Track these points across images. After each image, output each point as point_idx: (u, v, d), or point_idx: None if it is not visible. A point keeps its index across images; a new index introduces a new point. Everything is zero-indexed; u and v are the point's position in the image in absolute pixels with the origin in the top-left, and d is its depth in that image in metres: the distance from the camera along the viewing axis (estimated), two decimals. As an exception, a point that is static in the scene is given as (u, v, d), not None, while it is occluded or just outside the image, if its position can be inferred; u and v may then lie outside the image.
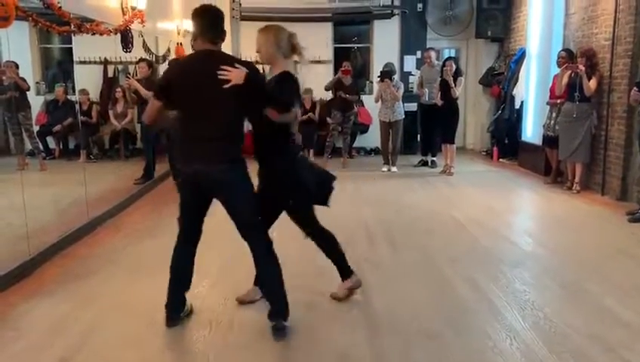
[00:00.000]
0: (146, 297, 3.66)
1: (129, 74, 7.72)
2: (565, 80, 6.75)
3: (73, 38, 5.88)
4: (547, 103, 7.43)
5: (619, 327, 3.19)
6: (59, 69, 9.24)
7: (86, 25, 5.06)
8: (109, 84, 9.01)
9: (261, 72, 3.52)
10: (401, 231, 5.27)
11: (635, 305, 3.49)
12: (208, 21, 3.18)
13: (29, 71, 8.08)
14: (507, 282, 3.91)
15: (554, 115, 7.19)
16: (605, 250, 4.71)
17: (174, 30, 8.90)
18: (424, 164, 8.94)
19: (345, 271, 3.58)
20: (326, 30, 10.30)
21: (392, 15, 10.23)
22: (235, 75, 2.89)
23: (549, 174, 7.56)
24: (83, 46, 7.10)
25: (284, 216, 3.45)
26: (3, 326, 3.25)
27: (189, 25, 9.22)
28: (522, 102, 8.84)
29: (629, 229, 5.27)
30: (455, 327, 3.22)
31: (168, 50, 8.53)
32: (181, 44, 8.96)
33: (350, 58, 10.38)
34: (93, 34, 5.25)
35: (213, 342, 3.06)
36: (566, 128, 6.81)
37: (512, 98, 9.18)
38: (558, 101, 7.03)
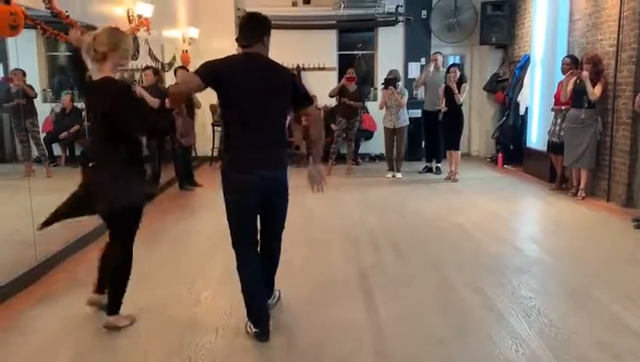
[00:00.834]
0: (151, 303, 3.68)
1: (135, 81, 7.77)
2: (570, 86, 6.76)
3: (80, 45, 5.93)
4: (552, 110, 7.43)
5: (626, 334, 3.18)
6: (65, 76, 9.29)
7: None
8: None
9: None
10: (406, 237, 5.27)
11: (641, 312, 3.48)
12: (240, 27, 3.25)
13: (36, 78, 8.13)
14: (512, 288, 3.91)
15: (559, 121, 7.19)
16: (611, 256, 4.70)
17: (180, 38, 8.97)
18: (429, 170, 8.95)
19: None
20: (331, 37, 10.35)
21: (396, 22, 10.27)
22: None
23: (554, 180, 7.55)
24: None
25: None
26: (11, 331, 3.27)
27: (194, 32, 9.31)
28: (527, 109, 8.85)
29: (635, 235, 5.26)
30: (460, 334, 3.22)
31: (174, 57, 8.58)
32: (187, 51, 9.02)
33: (355, 65, 10.44)
34: (100, 42, 5.30)
35: (219, 348, 3.07)
36: (571, 134, 6.81)
37: (517, 104, 9.19)
38: (563, 107, 7.03)
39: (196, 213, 6.55)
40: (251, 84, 3.02)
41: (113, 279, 3.33)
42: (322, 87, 9.06)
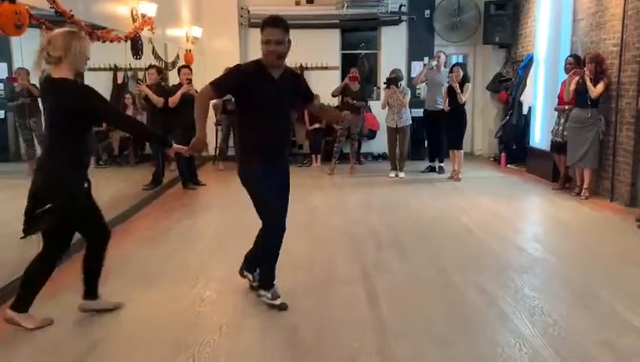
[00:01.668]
0: (156, 302, 3.69)
1: (140, 80, 7.79)
2: (573, 86, 6.75)
3: (84, 45, 5.94)
4: (555, 109, 7.43)
5: (629, 333, 3.18)
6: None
7: (97, 32, 5.13)
8: (119, 90, 9.08)
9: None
10: (409, 236, 5.28)
11: (645, 311, 3.48)
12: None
13: (41, 77, 8.15)
14: (516, 288, 3.91)
15: (562, 120, 7.18)
16: (615, 256, 4.69)
17: (183, 37, 8.99)
18: (432, 169, 8.94)
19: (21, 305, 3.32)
20: (334, 37, 10.36)
21: (399, 21, 10.27)
22: None
23: (557, 180, 7.54)
24: (93, 53, 7.15)
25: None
26: (14, 331, 3.27)
27: (197, 32, 9.32)
28: (530, 108, 8.84)
29: (639, 235, 5.25)
30: (464, 333, 3.22)
31: (177, 56, 8.60)
32: (190, 50, 9.03)
33: (358, 64, 10.43)
34: (104, 41, 5.32)
35: (222, 347, 3.08)
36: (574, 134, 6.80)
37: (520, 104, 9.18)
38: (566, 107, 7.02)
39: (200, 212, 6.56)
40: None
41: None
42: (325, 86, 9.07)
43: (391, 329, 3.27)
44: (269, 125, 3.42)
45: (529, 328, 3.25)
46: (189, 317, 3.46)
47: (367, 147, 10.28)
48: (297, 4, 10.16)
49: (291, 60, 10.00)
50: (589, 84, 6.43)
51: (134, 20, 6.27)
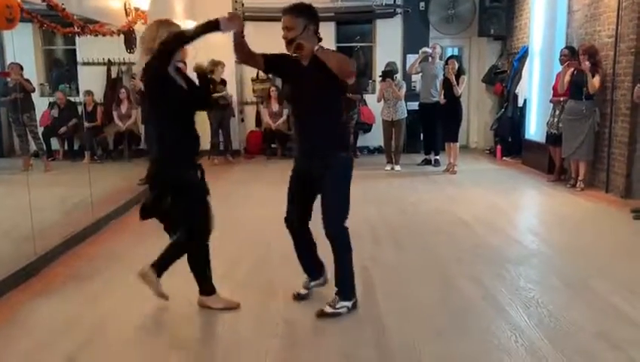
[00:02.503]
0: (151, 296, 3.67)
1: (134, 74, 7.75)
2: (568, 78, 6.74)
3: (77, 39, 5.91)
4: (550, 101, 7.42)
5: (625, 325, 3.19)
6: (63, 70, 9.26)
7: (90, 26, 5.09)
8: (113, 85, 9.03)
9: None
10: (405, 229, 5.28)
11: (640, 303, 3.49)
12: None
13: (33, 72, 8.11)
14: (512, 280, 3.91)
15: (557, 112, 7.18)
16: (610, 247, 4.71)
17: (177, 31, 8.92)
18: (427, 162, 8.94)
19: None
20: (329, 29, 10.30)
21: (394, 14, 10.23)
22: None
23: (552, 172, 7.55)
24: (87, 47, 7.13)
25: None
26: (10, 325, 3.27)
27: (192, 25, 9.26)
28: (525, 101, 8.83)
29: (634, 227, 5.26)
30: (460, 325, 3.22)
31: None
32: (184, 44, 8.96)
33: (353, 57, 10.39)
34: (97, 35, 5.28)
35: (220, 341, 3.08)
36: (569, 126, 6.80)
37: (515, 96, 9.17)
38: (562, 99, 7.02)
39: (195, 207, 6.54)
40: None
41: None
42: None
43: (387, 321, 3.27)
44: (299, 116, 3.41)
45: (525, 320, 3.25)
46: (183, 312, 3.45)
47: (363, 140, 10.26)
48: (292, -4, 10.10)
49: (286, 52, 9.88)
50: (589, 78, 6.42)
51: (127, 14, 6.23)
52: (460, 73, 8.03)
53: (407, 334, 3.12)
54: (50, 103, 8.48)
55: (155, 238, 5.03)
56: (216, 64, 7.11)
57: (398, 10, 10.20)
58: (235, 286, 3.81)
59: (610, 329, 3.13)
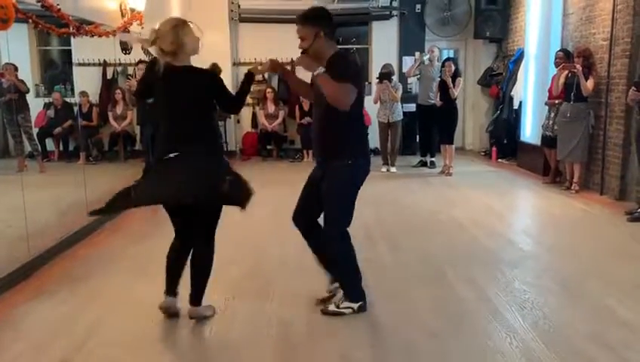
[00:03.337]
0: (145, 298, 3.66)
1: (130, 75, 7.74)
2: (562, 80, 6.77)
3: (72, 40, 5.89)
4: (545, 103, 7.45)
5: (619, 327, 3.20)
6: (58, 71, 9.24)
7: (85, 27, 5.07)
8: (108, 85, 9.02)
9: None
10: (400, 231, 5.28)
11: (635, 305, 3.49)
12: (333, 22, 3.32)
13: (28, 73, 8.09)
14: (507, 282, 3.92)
15: (552, 115, 7.20)
16: (605, 249, 4.72)
17: (173, 32, 8.91)
18: (423, 164, 8.95)
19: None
20: (325, 31, 10.31)
21: (390, 16, 10.25)
22: None
23: (547, 174, 7.57)
24: (82, 48, 7.12)
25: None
26: (3, 327, 3.25)
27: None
28: (521, 103, 8.86)
29: (629, 229, 5.28)
30: (455, 327, 3.23)
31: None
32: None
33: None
34: (92, 36, 5.26)
35: (213, 342, 3.07)
36: (564, 128, 6.82)
37: (511, 98, 9.20)
38: (557, 101, 7.05)
39: (190, 208, 6.53)
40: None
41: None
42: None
43: (382, 323, 3.27)
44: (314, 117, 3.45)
45: (519, 321, 3.26)
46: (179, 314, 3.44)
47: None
48: (288, -2, 10.11)
49: (283, 55, 9.98)
50: (582, 80, 6.45)
51: (123, 15, 6.21)
52: (456, 75, 8.05)
53: (402, 335, 3.12)
54: (45, 104, 8.47)
55: (149, 240, 5.03)
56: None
57: (394, 12, 10.21)
58: (229, 288, 3.80)
59: (604, 330, 3.13)
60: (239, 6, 10.09)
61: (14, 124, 6.77)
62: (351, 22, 10.71)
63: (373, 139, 9.51)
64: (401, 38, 10.36)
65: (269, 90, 9.77)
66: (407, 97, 9.41)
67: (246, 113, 10.50)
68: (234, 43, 10.13)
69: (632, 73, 6.08)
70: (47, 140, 8.21)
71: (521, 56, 8.95)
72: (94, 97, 8.98)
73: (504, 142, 9.45)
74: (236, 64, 10.21)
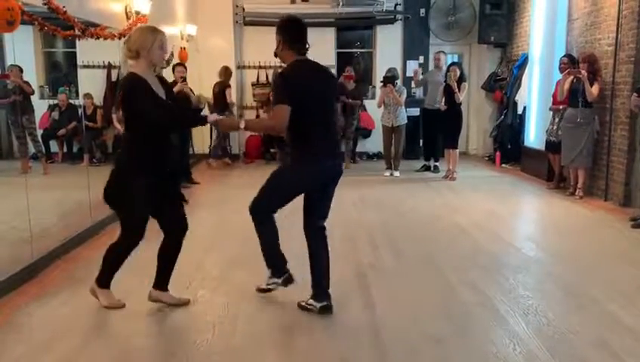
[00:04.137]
0: (147, 300, 3.66)
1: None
2: (567, 85, 6.75)
3: (77, 42, 5.90)
4: (550, 109, 7.43)
5: (623, 333, 3.18)
6: (62, 73, 9.26)
7: (90, 29, 5.09)
8: (113, 88, 9.03)
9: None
10: (404, 235, 5.27)
11: (638, 311, 3.48)
12: (300, 32, 3.49)
13: (33, 75, 8.10)
14: (510, 287, 3.90)
15: (556, 120, 7.18)
16: (609, 255, 4.70)
17: (178, 35, 8.94)
18: (427, 168, 8.94)
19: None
20: (329, 35, 10.33)
21: (394, 20, 10.26)
22: None
23: (551, 180, 7.55)
24: (87, 50, 7.14)
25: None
26: (6, 328, 3.25)
27: (192, 29, 9.28)
28: (525, 108, 8.85)
29: (633, 235, 5.26)
30: (458, 333, 3.21)
31: (172, 54, 8.55)
32: (184, 48, 8.99)
33: (353, 63, 10.41)
34: (98, 38, 5.28)
35: (215, 346, 3.06)
36: (568, 134, 6.81)
37: (515, 103, 9.19)
38: (561, 107, 7.03)
39: (192, 211, 6.48)
40: (319, 88, 3.39)
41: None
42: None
43: (386, 329, 3.26)
44: None
45: (523, 328, 3.24)
46: (181, 316, 3.44)
47: (362, 146, 10.27)
48: (293, 2, 10.12)
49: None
50: (587, 86, 6.43)
51: (128, 17, 6.23)
52: (461, 80, 8.04)
53: (405, 340, 3.10)
54: (49, 105, 8.48)
55: (153, 242, 5.02)
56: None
57: (399, 16, 10.23)
58: (230, 291, 3.79)
59: (607, 337, 3.12)
60: (244, 9, 10.12)
61: (19, 126, 6.78)
62: (355, 26, 10.73)
63: (377, 143, 9.54)
64: (405, 42, 10.37)
65: (272, 93, 9.77)
66: (411, 101, 9.41)
67: (250, 116, 10.51)
68: (238, 47, 10.16)
69: (637, 79, 6.06)
70: (51, 142, 8.23)
71: (525, 61, 8.94)
72: (98, 99, 8.99)
73: (508, 147, 9.43)
74: (240, 67, 10.24)
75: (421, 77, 9.12)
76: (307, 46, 3.43)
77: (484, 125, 10.59)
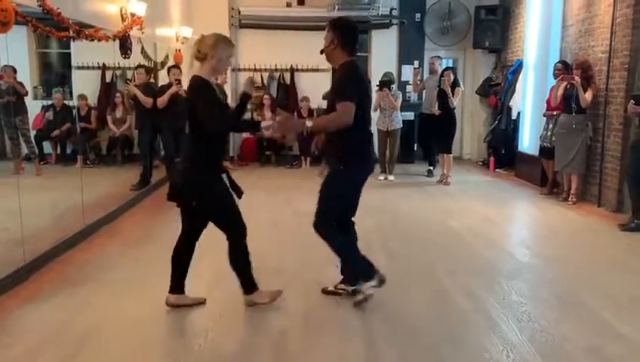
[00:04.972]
0: (141, 304, 3.65)
1: (128, 80, 7.73)
2: (561, 91, 6.79)
3: (72, 43, 5.87)
4: (544, 115, 7.46)
5: (615, 340, 3.19)
6: (57, 74, 9.22)
7: (85, 31, 5.07)
8: (107, 89, 9.00)
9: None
10: (398, 240, 5.27)
11: (631, 318, 3.49)
12: (354, 34, 3.61)
13: (27, 76, 8.06)
14: (504, 293, 3.91)
15: (550, 126, 7.22)
16: (602, 262, 4.72)
17: (173, 37, 8.93)
18: (431, 172, 8.90)
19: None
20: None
21: (390, 25, 10.28)
22: None
23: (545, 185, 7.58)
24: (81, 51, 7.09)
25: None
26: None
27: (188, 32, 9.27)
28: (519, 113, 8.88)
29: (625, 241, 5.28)
30: (452, 338, 3.21)
31: (167, 56, 8.54)
32: (180, 50, 8.98)
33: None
34: (92, 40, 5.25)
35: (208, 351, 3.05)
36: (562, 139, 6.84)
37: (509, 108, 9.22)
38: (555, 112, 7.06)
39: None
40: (368, 91, 3.70)
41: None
42: (316, 88, 9.05)
43: (378, 333, 3.26)
44: None
45: (517, 334, 3.25)
46: (174, 321, 3.42)
47: (357, 150, 10.27)
48: (288, 5, 10.13)
49: (282, 62, 10.06)
50: (580, 92, 6.46)
51: (123, 19, 6.21)
52: (455, 85, 8.07)
53: (398, 346, 3.10)
54: (43, 106, 8.44)
55: (147, 245, 5.01)
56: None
57: (394, 21, 10.25)
58: (226, 295, 3.78)
59: (600, 344, 3.13)
60: (239, 12, 10.12)
61: (12, 127, 6.74)
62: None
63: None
64: (400, 47, 10.39)
65: (266, 96, 9.77)
66: (406, 106, 9.43)
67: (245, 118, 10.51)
68: (234, 49, 10.15)
69: (631, 86, 6.10)
70: (44, 143, 8.19)
71: (519, 66, 8.98)
72: (93, 100, 8.95)
73: (502, 152, 9.47)
74: (236, 70, 10.23)
75: (419, 80, 9.13)
76: (357, 49, 3.60)
77: (478, 130, 10.63)
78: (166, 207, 6.68)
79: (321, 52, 3.58)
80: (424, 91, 9.17)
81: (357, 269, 3.63)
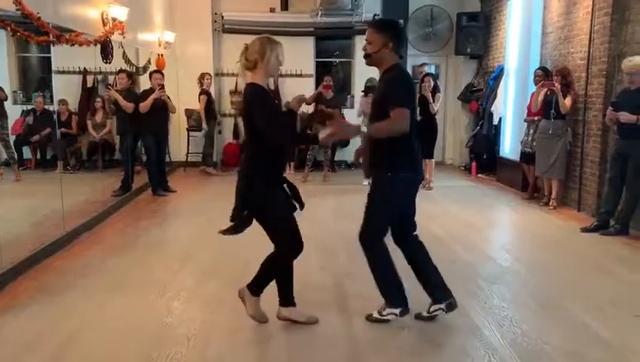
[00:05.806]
0: (121, 312, 3.60)
1: (110, 84, 7.67)
2: (541, 97, 6.87)
3: (52, 47, 5.81)
4: (525, 120, 7.55)
5: (595, 344, 3.23)
6: (37, 78, 9.11)
7: (65, 35, 5.01)
8: (88, 94, 8.92)
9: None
10: (380, 245, 5.26)
11: (611, 322, 3.53)
12: (402, 37, 3.44)
13: (6, 80, 7.96)
14: (485, 298, 3.93)
15: (531, 131, 7.30)
16: (582, 266, 4.77)
17: (156, 41, 8.87)
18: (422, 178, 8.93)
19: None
20: (308, 44, 10.35)
21: (373, 31, 10.31)
22: None
23: (526, 190, 7.66)
24: (62, 56, 7.03)
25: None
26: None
27: (170, 37, 9.22)
28: (500, 119, 8.97)
29: (605, 246, 5.35)
30: (434, 344, 3.22)
31: (149, 61, 8.49)
32: (162, 55, 8.92)
33: (332, 72, 10.44)
34: (73, 44, 5.20)
35: (189, 359, 3.02)
36: (542, 145, 6.92)
37: (491, 114, 9.31)
38: (535, 118, 7.15)
39: (169, 220, 6.46)
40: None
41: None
42: (299, 93, 9.01)
43: (361, 340, 3.25)
44: None
45: (498, 339, 3.27)
46: (155, 329, 3.38)
47: (341, 155, 10.29)
48: (272, 11, 10.14)
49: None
50: (560, 98, 6.55)
51: (105, 24, 6.16)
52: (435, 91, 8.12)
53: (381, 352, 3.10)
54: (23, 111, 8.33)
55: (127, 252, 4.96)
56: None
57: (377, 27, 10.28)
58: (206, 303, 3.75)
59: (581, 348, 3.16)
60: (223, 17, 10.10)
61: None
62: (334, 35, 10.78)
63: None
64: (383, 53, 10.42)
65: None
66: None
67: (228, 124, 10.48)
68: (217, 54, 10.12)
69: (609, 92, 6.20)
70: (24, 148, 8.08)
71: (501, 72, 9.08)
72: (74, 106, 8.86)
73: (484, 157, 9.55)
74: (219, 75, 10.21)
75: None
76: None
77: (460, 135, 10.71)
78: (148, 213, 6.67)
79: (367, 56, 3.37)
80: None
81: (388, 292, 3.47)
